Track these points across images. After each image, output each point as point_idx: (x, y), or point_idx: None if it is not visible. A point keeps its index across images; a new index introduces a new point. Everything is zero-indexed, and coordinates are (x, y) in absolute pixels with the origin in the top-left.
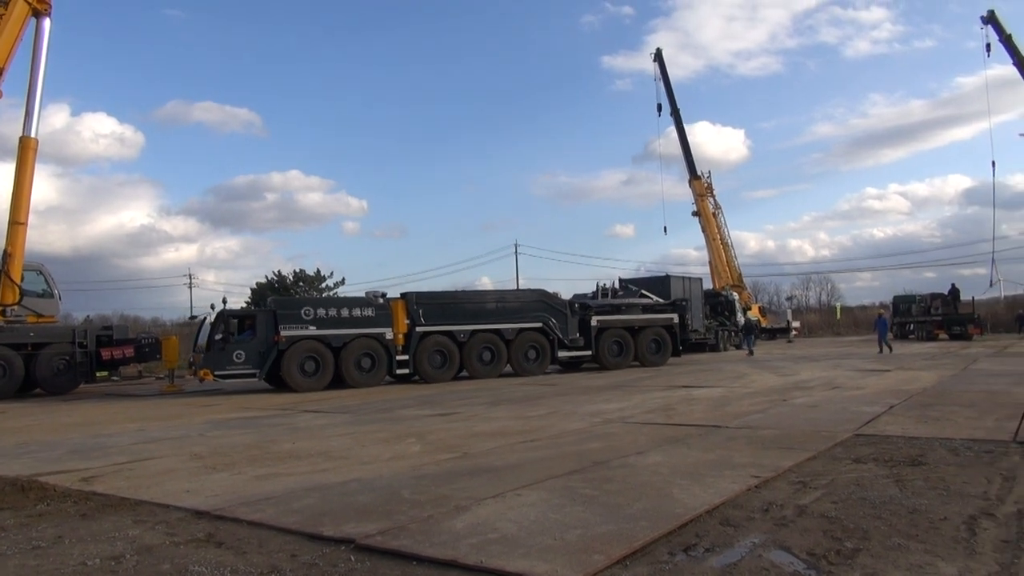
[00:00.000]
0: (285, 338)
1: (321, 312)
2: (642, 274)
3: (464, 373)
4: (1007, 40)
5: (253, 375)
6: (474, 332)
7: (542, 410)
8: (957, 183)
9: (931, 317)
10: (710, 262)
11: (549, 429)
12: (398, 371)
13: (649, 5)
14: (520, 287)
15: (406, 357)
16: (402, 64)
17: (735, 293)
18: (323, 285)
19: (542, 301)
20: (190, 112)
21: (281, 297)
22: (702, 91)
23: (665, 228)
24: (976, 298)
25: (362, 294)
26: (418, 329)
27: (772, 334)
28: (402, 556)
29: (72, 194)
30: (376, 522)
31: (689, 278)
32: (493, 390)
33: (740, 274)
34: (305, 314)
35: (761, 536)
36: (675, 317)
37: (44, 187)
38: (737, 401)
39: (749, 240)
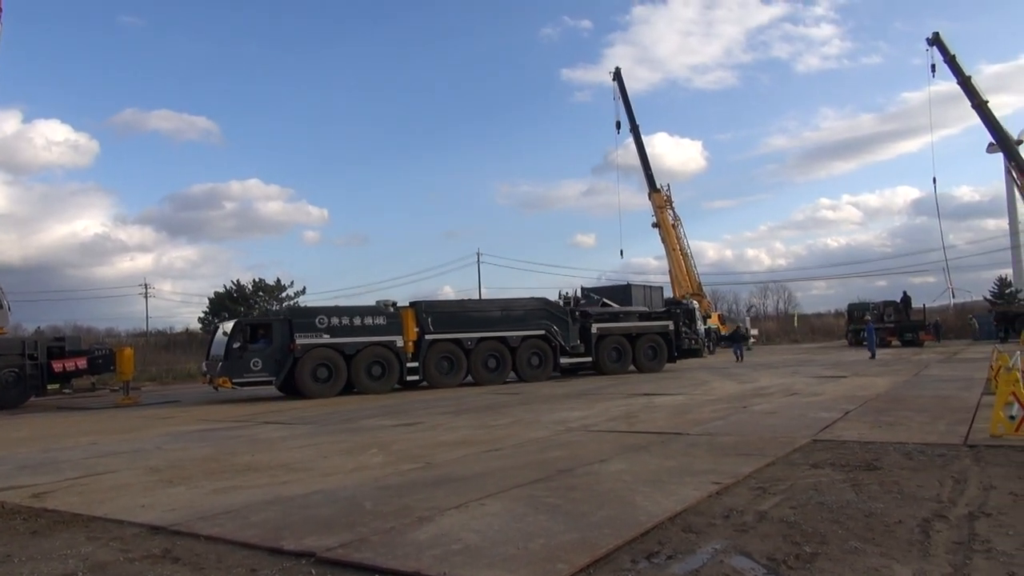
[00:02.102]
0: (300, 346)
1: (335, 321)
2: (603, 283)
3: (469, 379)
4: (951, 61)
5: (270, 382)
6: (481, 339)
7: (505, 419)
8: (906, 194)
9: (884, 324)
10: (670, 271)
11: (512, 438)
12: (408, 378)
13: (607, 20)
14: (483, 296)
15: (416, 364)
16: (362, 73)
17: (695, 301)
18: (283, 294)
19: (545, 309)
20: (146, 120)
21: (297, 306)
22: (660, 104)
23: (622, 252)
24: (927, 305)
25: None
26: (427, 337)
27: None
28: (364, 569)
29: (23, 202)
30: (338, 535)
31: (650, 287)
32: (457, 399)
33: (700, 283)
34: (319, 323)
35: (722, 542)
36: (670, 324)
37: None
38: (698, 408)
39: (708, 249)
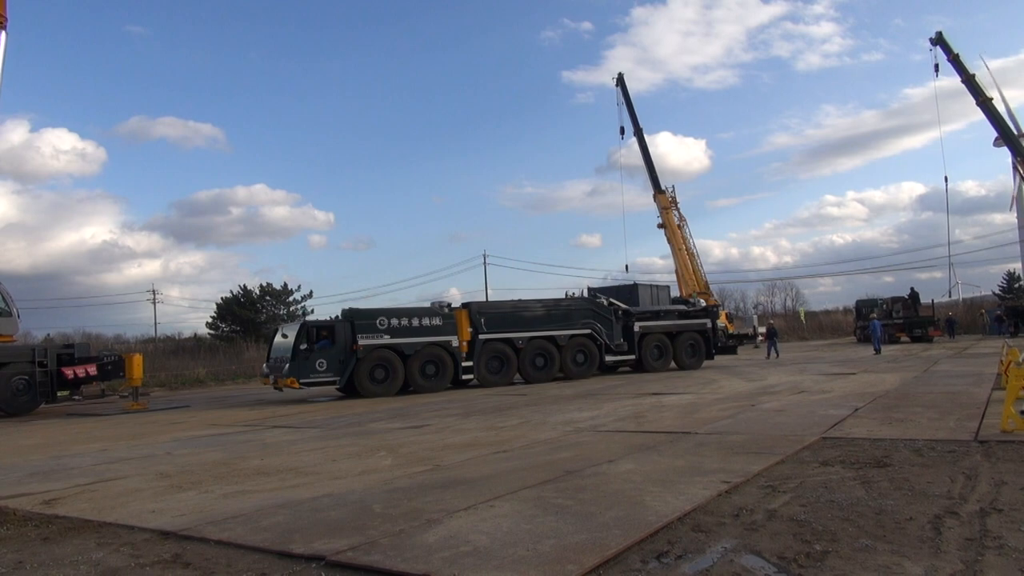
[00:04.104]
0: (363, 347)
1: (394, 322)
2: (609, 283)
3: (518, 378)
4: (955, 60)
5: (334, 382)
6: (531, 339)
7: (513, 420)
8: (911, 190)
9: (893, 320)
10: (676, 271)
11: (521, 439)
12: (464, 377)
13: (607, 22)
14: (491, 298)
15: (470, 363)
16: (366, 79)
17: (702, 300)
18: (290, 299)
19: (591, 309)
20: (153, 127)
21: (358, 308)
22: (662, 104)
23: (627, 267)
24: (935, 301)
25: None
26: (481, 336)
27: (739, 340)
28: (374, 571)
29: (31, 211)
30: (347, 538)
31: (656, 286)
32: (465, 401)
33: (706, 282)
34: (380, 324)
35: (732, 541)
36: (708, 322)
37: (2, 204)
38: (706, 407)
39: (713, 248)
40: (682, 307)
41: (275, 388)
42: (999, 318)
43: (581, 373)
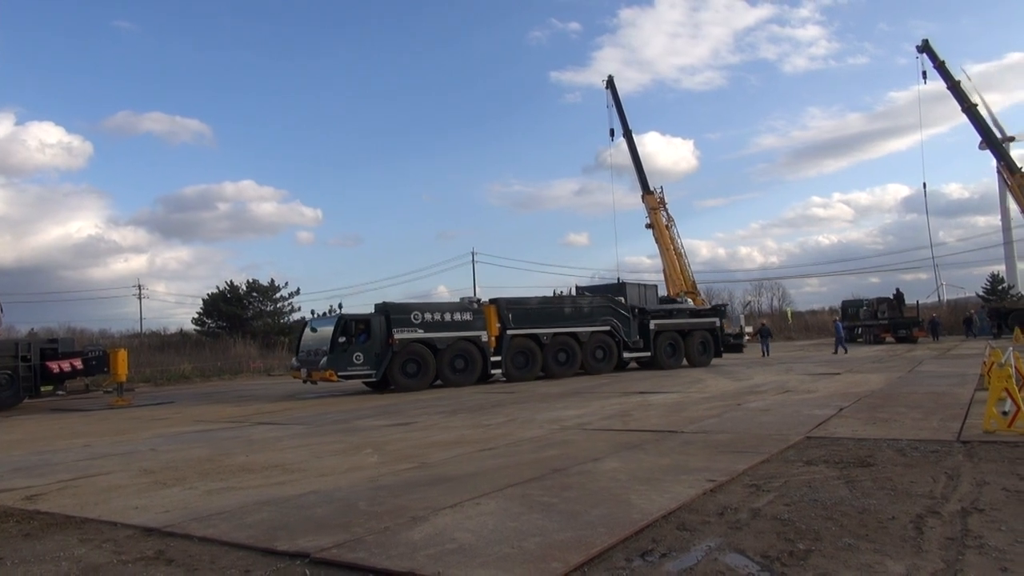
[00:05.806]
0: (398, 341)
1: (427, 316)
2: (597, 281)
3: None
4: (941, 66)
5: (371, 375)
6: (555, 335)
7: (500, 418)
8: (896, 192)
9: (878, 321)
10: (664, 270)
11: (507, 437)
12: (492, 371)
13: (595, 23)
14: (479, 296)
15: (498, 358)
16: (355, 76)
17: (689, 300)
18: (277, 295)
19: (609, 306)
20: (140, 122)
21: (392, 302)
22: (650, 104)
23: (619, 278)
24: (920, 302)
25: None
26: (508, 332)
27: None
28: (358, 569)
29: (16, 204)
30: (332, 535)
31: (644, 285)
32: (452, 399)
33: (694, 282)
34: (414, 318)
35: (716, 540)
36: (717, 321)
37: None
38: (692, 406)
39: (700, 248)
40: (692, 306)
41: (307, 381)
42: (968, 320)
43: (600, 368)
